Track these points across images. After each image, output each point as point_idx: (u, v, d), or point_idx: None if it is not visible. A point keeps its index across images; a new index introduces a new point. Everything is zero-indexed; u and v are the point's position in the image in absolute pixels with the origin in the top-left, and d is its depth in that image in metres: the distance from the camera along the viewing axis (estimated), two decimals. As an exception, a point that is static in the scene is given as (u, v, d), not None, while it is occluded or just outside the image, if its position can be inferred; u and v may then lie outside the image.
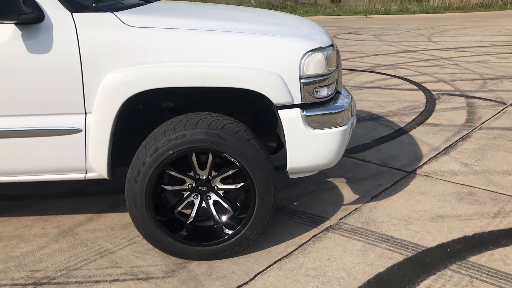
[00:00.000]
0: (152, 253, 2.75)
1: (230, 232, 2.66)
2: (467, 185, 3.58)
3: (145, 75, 2.41)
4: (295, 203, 3.34)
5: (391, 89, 6.65)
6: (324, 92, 2.60)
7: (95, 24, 2.43)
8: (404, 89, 6.60)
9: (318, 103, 2.61)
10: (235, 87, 2.48)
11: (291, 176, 2.74)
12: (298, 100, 2.53)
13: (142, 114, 2.78)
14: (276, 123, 2.85)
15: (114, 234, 2.97)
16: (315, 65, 2.53)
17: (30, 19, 2.31)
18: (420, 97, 6.18)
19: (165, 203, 2.76)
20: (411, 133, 4.79)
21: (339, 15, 19.31)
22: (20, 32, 2.37)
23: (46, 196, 3.48)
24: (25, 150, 2.51)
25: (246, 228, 2.61)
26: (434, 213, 3.17)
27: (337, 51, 2.81)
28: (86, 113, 2.48)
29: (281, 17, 3.24)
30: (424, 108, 5.66)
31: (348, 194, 3.48)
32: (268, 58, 2.49)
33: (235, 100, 2.84)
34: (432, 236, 2.89)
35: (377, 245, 2.81)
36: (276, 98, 2.49)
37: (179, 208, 2.71)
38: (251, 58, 2.47)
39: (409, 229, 2.98)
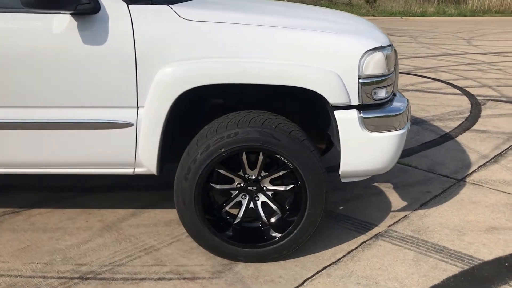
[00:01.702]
0: (197, 252, 2.69)
1: (278, 234, 2.58)
2: (521, 196, 3.41)
3: (201, 70, 2.35)
4: (341, 207, 3.24)
5: (433, 92, 6.46)
6: (382, 93, 2.49)
7: (151, 16, 2.38)
8: (447, 93, 6.40)
9: (375, 105, 2.51)
10: (292, 86, 2.40)
11: (343, 180, 2.64)
12: (355, 101, 2.43)
13: (192, 110, 2.73)
14: (326, 123, 2.76)
15: (158, 231, 2.93)
16: (375, 65, 2.43)
17: (87, 9, 2.28)
18: (464, 102, 5.98)
19: (213, 202, 2.70)
20: (457, 139, 4.62)
21: (374, 15, 19.00)
22: (76, 23, 2.33)
23: (89, 188, 3.47)
24: (76, 142, 2.48)
25: (295, 231, 2.52)
26: (488, 225, 3.02)
27: (395, 51, 2.70)
28: (138, 107, 2.44)
29: (335, 14, 3.14)
30: (469, 113, 5.47)
31: (395, 200, 3.36)
32: (326, 56, 2.39)
33: (285, 98, 2.76)
34: (488, 249, 2.75)
35: (430, 255, 2.69)
36: (333, 98, 2.40)
37: (227, 208, 2.65)
38: (309, 56, 2.39)
39: (462, 240, 2.84)
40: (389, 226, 3.01)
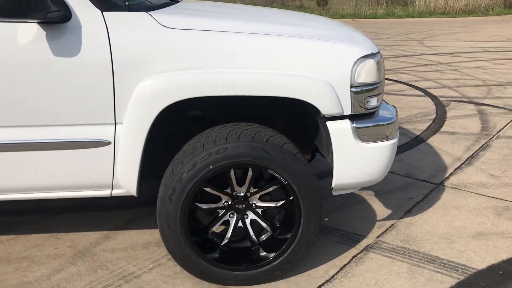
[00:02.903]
0: (182, 277, 2.50)
1: (269, 254, 2.43)
2: (500, 199, 3.42)
3: (185, 82, 2.16)
4: (326, 219, 3.13)
5: (397, 94, 6.51)
6: (374, 102, 2.40)
7: (129, 24, 2.17)
8: (411, 95, 6.46)
9: (366, 114, 2.40)
10: (280, 96, 2.25)
11: (335, 193, 2.52)
12: (348, 111, 2.32)
13: (171, 123, 2.53)
14: (312, 133, 2.64)
15: (136, 255, 2.71)
16: (367, 72, 2.32)
17: (57, 17, 2.04)
18: (429, 103, 6.05)
19: (198, 222, 2.51)
20: (428, 141, 4.64)
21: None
22: (45, 33, 2.10)
23: (54, 210, 3.19)
24: (47, 164, 2.23)
25: (289, 250, 2.38)
26: (475, 230, 2.99)
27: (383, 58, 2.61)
28: (116, 124, 2.22)
29: (319, 20, 3.03)
30: (435, 115, 5.52)
31: (379, 208, 3.29)
32: (318, 65, 2.27)
33: (270, 109, 2.61)
34: (479, 256, 2.71)
35: (424, 266, 2.62)
36: (326, 108, 2.28)
37: (214, 228, 2.47)
38: (300, 64, 2.25)
39: (453, 248, 2.79)
40: (377, 237, 2.92)
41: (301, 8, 21.71)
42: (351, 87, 2.30)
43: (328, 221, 3.10)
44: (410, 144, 4.55)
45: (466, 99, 6.23)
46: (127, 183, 2.31)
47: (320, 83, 2.25)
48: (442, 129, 5.01)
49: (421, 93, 6.60)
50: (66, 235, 2.92)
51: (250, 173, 2.35)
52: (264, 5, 21.21)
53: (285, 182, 2.28)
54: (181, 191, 2.22)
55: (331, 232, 2.97)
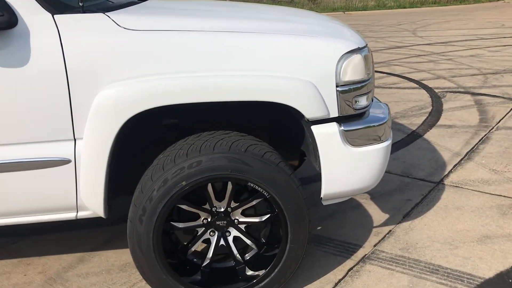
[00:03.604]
0: (161, 302, 2.27)
1: (255, 273, 2.21)
2: (505, 196, 3.20)
3: (150, 90, 1.93)
4: (319, 228, 2.91)
5: (391, 88, 6.28)
6: (363, 101, 2.17)
7: (83, 27, 1.94)
8: (405, 88, 6.24)
9: (355, 115, 2.18)
10: (258, 101, 2.02)
11: (325, 203, 2.30)
12: (334, 113, 2.09)
13: (141, 133, 2.30)
14: (299, 138, 2.41)
15: (112, 279, 2.48)
16: (354, 69, 2.10)
17: (0, 23, 1.81)
18: (424, 95, 5.83)
19: (175, 242, 2.29)
20: (425, 136, 4.41)
21: (316, 12, 18.96)
22: (-13, 41, 1.86)
23: (24, 231, 2.95)
24: (0, 188, 2.00)
25: (277, 270, 2.15)
26: (479, 233, 2.77)
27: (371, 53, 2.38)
28: (75, 140, 1.99)
29: (297, 13, 2.79)
30: (431, 108, 5.30)
31: (375, 213, 3.06)
32: (297, 63, 2.04)
33: (250, 113, 2.38)
34: (486, 263, 2.49)
35: (426, 278, 2.39)
36: (309, 111, 2.05)
37: (193, 248, 2.24)
38: (276, 64, 2.03)
39: (456, 255, 2.57)
40: (374, 246, 2.70)
41: (291, 3, 21.45)
42: (337, 86, 2.07)
43: (320, 230, 2.88)
44: (406, 140, 4.33)
45: (462, 90, 6.01)
46: (92, 204, 2.08)
47: (301, 84, 2.02)
48: (439, 122, 4.79)
49: (415, 85, 6.38)
50: (37, 259, 2.69)
51: (229, 187, 2.12)
52: (253, 1, 20.96)
53: (268, 195, 2.06)
54: (152, 212, 1.99)
55: (324, 242, 2.75)
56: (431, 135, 4.42)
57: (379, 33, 11.95)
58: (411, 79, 6.72)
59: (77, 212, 2.14)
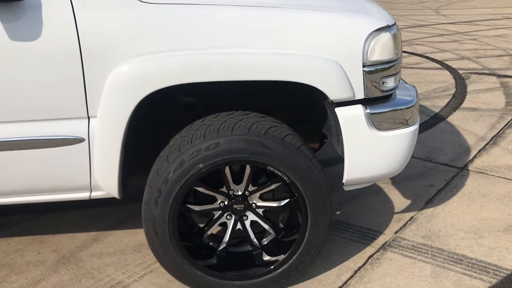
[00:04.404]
0: (176, 286, 2.22)
1: (272, 259, 2.14)
2: (533, 184, 3.07)
3: (167, 67, 1.84)
4: (338, 213, 2.82)
5: (413, 68, 6.10)
6: (391, 83, 2.05)
7: (98, 0, 1.84)
8: (428, 68, 6.05)
9: (381, 97, 2.06)
10: (280, 80, 1.92)
11: (346, 189, 2.20)
12: (360, 95, 1.98)
13: (156, 111, 2.22)
14: (320, 119, 2.31)
15: (126, 260, 2.43)
16: (382, 48, 1.97)
17: (10, -6, 1.72)
18: (447, 77, 5.64)
19: (191, 225, 2.22)
20: (449, 119, 4.27)
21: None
22: (-2, 13, 1.78)
23: (40, 208, 2.92)
24: (12, 166, 1.94)
25: (295, 256, 2.08)
26: (505, 223, 2.66)
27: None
28: (89, 118, 1.92)
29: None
30: (455, 89, 5.12)
31: (397, 198, 2.96)
32: (322, 41, 1.92)
33: (268, 92, 2.28)
34: (513, 255, 2.39)
35: (449, 268, 2.30)
36: (333, 93, 1.94)
37: (209, 232, 2.17)
38: (300, 41, 1.91)
39: (481, 245, 2.47)
40: (395, 233, 2.60)
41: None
42: (364, 66, 1.96)
43: (339, 215, 2.79)
44: (429, 123, 4.19)
45: (487, 71, 5.80)
46: (106, 184, 2.01)
47: (325, 63, 1.90)
48: (463, 105, 4.63)
49: (438, 65, 6.18)
50: (51, 237, 2.65)
51: (248, 170, 2.03)
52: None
53: (288, 180, 1.97)
54: (167, 194, 1.92)
55: (343, 228, 2.67)
56: (455, 118, 4.28)
57: (401, 11, 11.64)
58: (434, 59, 6.52)
59: (91, 192, 2.08)
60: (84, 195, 2.08)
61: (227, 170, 2.03)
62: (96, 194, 2.09)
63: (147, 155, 2.21)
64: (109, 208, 2.90)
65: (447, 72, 5.83)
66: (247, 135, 1.91)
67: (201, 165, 1.89)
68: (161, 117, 2.25)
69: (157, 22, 1.84)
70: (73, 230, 2.71)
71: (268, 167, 1.94)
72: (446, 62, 6.31)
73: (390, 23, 2.04)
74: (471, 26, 9.07)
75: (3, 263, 2.43)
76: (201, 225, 2.22)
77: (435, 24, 9.50)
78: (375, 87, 2.00)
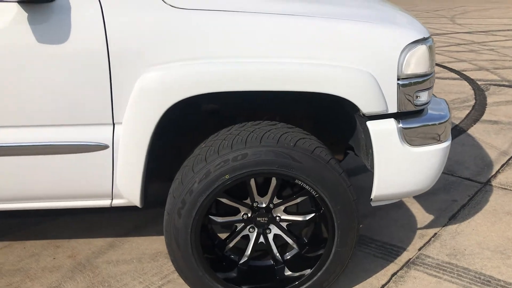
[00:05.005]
0: (194, 298, 2.16)
1: (294, 275, 2.08)
2: (559, 203, 2.99)
3: (198, 75, 1.78)
4: (360, 226, 2.74)
5: (431, 78, 6.00)
6: (424, 97, 1.99)
7: (128, 3, 1.79)
8: (446, 78, 5.97)
9: (414, 112, 2.00)
10: (311, 92, 1.86)
11: (374, 204, 2.14)
12: (393, 108, 1.92)
13: (184, 118, 2.17)
14: (347, 130, 2.25)
15: (143, 269, 2.38)
16: (417, 61, 1.91)
17: (40, -4, 1.68)
18: (466, 87, 5.56)
19: (212, 237, 2.16)
20: (469, 132, 4.18)
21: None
22: (26, 14, 1.73)
23: (55, 211, 2.87)
24: (35, 171, 1.89)
25: (320, 273, 2.01)
26: (533, 243, 2.58)
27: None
28: (114, 124, 1.87)
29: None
30: (474, 101, 5.04)
31: (419, 213, 2.89)
32: (356, 52, 1.86)
33: (293, 101, 2.22)
34: (542, 277, 2.31)
35: (477, 289, 2.23)
36: (366, 106, 1.88)
37: (231, 245, 2.11)
38: (333, 52, 1.85)
39: (510, 266, 2.39)
40: (419, 250, 2.53)
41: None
42: (398, 79, 1.89)
43: (362, 229, 2.72)
44: (449, 135, 4.10)
45: (507, 83, 5.71)
46: (128, 192, 1.96)
47: (359, 75, 1.84)
48: (483, 117, 4.54)
49: (456, 75, 6.09)
50: (66, 242, 2.60)
51: (273, 182, 1.97)
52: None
53: (316, 194, 1.90)
54: (191, 205, 1.86)
55: (366, 242, 2.60)
56: (475, 131, 4.19)
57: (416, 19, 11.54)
58: (451, 69, 6.44)
59: (112, 200, 2.02)
60: (105, 202, 2.03)
61: (252, 181, 1.97)
62: (117, 202, 2.03)
63: (170, 162, 2.15)
64: (126, 213, 2.85)
65: (465, 83, 5.74)
66: (276, 146, 1.85)
67: (227, 176, 1.84)
68: (184, 123, 2.20)
69: (189, 28, 1.79)
70: (89, 235, 2.66)
71: (296, 181, 1.88)
72: (464, 73, 6.22)
73: (425, 36, 1.98)
74: (488, 36, 8.97)
75: (18, 268, 2.38)
76: (223, 237, 2.16)
77: (451, 33, 9.40)
78: (409, 101, 1.94)
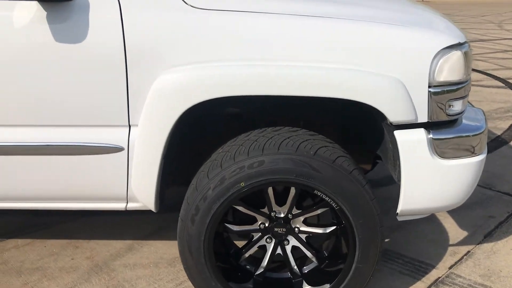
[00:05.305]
0: (208, 307, 2.08)
1: (313, 290, 1.97)
2: None
3: (217, 78, 1.72)
4: (387, 240, 2.61)
5: (473, 85, 5.73)
6: (458, 106, 1.85)
7: (147, 3, 1.74)
8: (489, 86, 5.70)
9: (446, 122, 1.86)
10: (335, 98, 1.76)
11: (400, 219, 2.01)
12: (423, 118, 1.79)
13: (198, 120, 2.10)
14: (375, 139, 2.13)
15: (159, 274, 2.33)
16: (451, 68, 1.78)
17: (58, -6, 1.65)
18: (511, 96, 5.28)
19: (227, 245, 2.09)
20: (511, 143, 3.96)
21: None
22: (45, 13, 1.71)
23: (76, 211, 2.85)
24: (49, 171, 1.87)
25: (339, 290, 1.90)
26: None
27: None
28: (130, 126, 1.82)
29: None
30: (519, 111, 4.78)
31: (452, 229, 2.72)
32: (384, 57, 1.75)
33: (318, 107, 2.12)
34: None
35: (511, 315, 2.06)
36: (394, 114, 1.76)
37: (247, 254, 2.03)
38: (361, 57, 1.74)
39: (549, 291, 2.21)
40: (450, 268, 2.38)
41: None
42: (429, 86, 1.76)
43: (388, 243, 2.59)
44: (489, 146, 3.88)
45: (555, 93, 5.40)
46: (143, 196, 1.91)
47: (387, 82, 1.73)
48: (528, 128, 4.30)
49: (501, 83, 5.81)
50: (86, 242, 2.59)
51: (292, 191, 1.88)
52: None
53: (336, 206, 1.80)
54: (205, 212, 1.80)
55: (391, 257, 2.46)
56: (519, 143, 3.96)
57: (461, 24, 11.15)
58: (496, 76, 6.15)
59: (127, 203, 1.98)
60: (120, 205, 1.99)
61: (270, 190, 1.88)
62: (132, 206, 1.99)
63: (188, 166, 2.10)
64: (146, 216, 2.80)
65: (510, 92, 5.46)
66: (295, 154, 1.75)
67: (242, 184, 1.76)
68: (204, 126, 2.14)
69: (210, 29, 1.73)
70: (109, 237, 2.63)
71: (316, 191, 1.78)
72: (510, 81, 5.92)
73: (461, 41, 1.84)
74: (538, 43, 8.56)
75: (37, 266, 2.38)
76: (239, 246, 2.08)
77: (497, 39, 9.02)
78: (441, 110, 1.80)
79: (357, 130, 2.28)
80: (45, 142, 1.82)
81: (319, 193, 1.78)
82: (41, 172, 1.86)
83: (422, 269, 2.38)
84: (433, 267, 2.39)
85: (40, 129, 1.81)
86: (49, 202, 1.97)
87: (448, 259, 2.45)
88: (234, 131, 1.97)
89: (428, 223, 2.78)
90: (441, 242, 2.60)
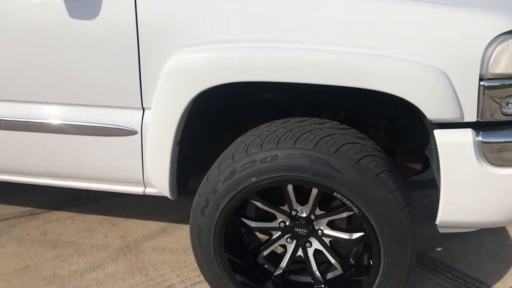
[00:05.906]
0: (225, 303, 1.98)
1: (336, 300, 1.78)
2: None
3: (236, 59, 1.57)
4: (438, 249, 2.32)
5: None
6: (517, 105, 1.53)
7: (161, -23, 1.63)
8: None
9: (501, 122, 1.54)
10: (367, 88, 1.53)
11: (442, 231, 1.73)
12: (471, 117, 1.50)
13: (228, 105, 1.97)
14: (421, 137, 1.85)
15: (185, 262, 2.26)
16: (511, 58, 1.46)
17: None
18: None
19: (246, 242, 1.95)
20: None
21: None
22: (59, -12, 1.66)
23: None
24: (65, 150, 1.86)
25: (360, 306, 1.69)
26: None
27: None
28: (144, 109, 1.74)
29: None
30: None
31: (520, 244, 2.36)
32: (424, 42, 1.48)
33: (364, 97, 1.87)
34: None
35: None
36: (432, 109, 1.50)
37: (265, 253, 1.88)
38: (396, 40, 1.49)
39: None
40: (510, 290, 2.05)
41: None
42: (481, 79, 1.47)
43: (439, 252, 2.30)
44: None
45: None
46: (157, 182, 1.83)
47: (425, 70, 1.47)
48: None
49: None
50: (123, 221, 2.60)
51: (314, 191, 1.68)
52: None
53: (358, 212, 1.58)
54: (215, 205, 1.67)
55: (441, 270, 2.18)
56: None
57: None
58: None
59: (145, 188, 1.91)
60: (138, 189, 1.93)
61: (289, 187, 1.70)
62: (150, 191, 1.92)
63: (214, 154, 1.98)
64: (186, 199, 2.76)
65: None
66: (312, 150, 1.56)
67: (253, 179, 1.60)
68: (233, 113, 2.00)
69: (222, 6, 1.58)
70: (145, 217, 2.63)
71: (335, 193, 1.58)
72: None
73: (527, 24, 1.50)
74: None
75: (72, 241, 2.42)
76: (257, 244, 1.93)
77: None
78: (496, 108, 1.50)
79: (408, 127, 2.01)
80: (66, 120, 1.81)
81: (339, 196, 1.58)
82: (56, 149, 1.85)
83: (475, 287, 2.07)
84: (489, 286, 2.07)
85: (58, 107, 1.79)
86: (69, 180, 1.96)
87: (509, 280, 2.11)
88: (266, 119, 1.81)
89: (493, 234, 2.43)
90: (504, 259, 2.25)
